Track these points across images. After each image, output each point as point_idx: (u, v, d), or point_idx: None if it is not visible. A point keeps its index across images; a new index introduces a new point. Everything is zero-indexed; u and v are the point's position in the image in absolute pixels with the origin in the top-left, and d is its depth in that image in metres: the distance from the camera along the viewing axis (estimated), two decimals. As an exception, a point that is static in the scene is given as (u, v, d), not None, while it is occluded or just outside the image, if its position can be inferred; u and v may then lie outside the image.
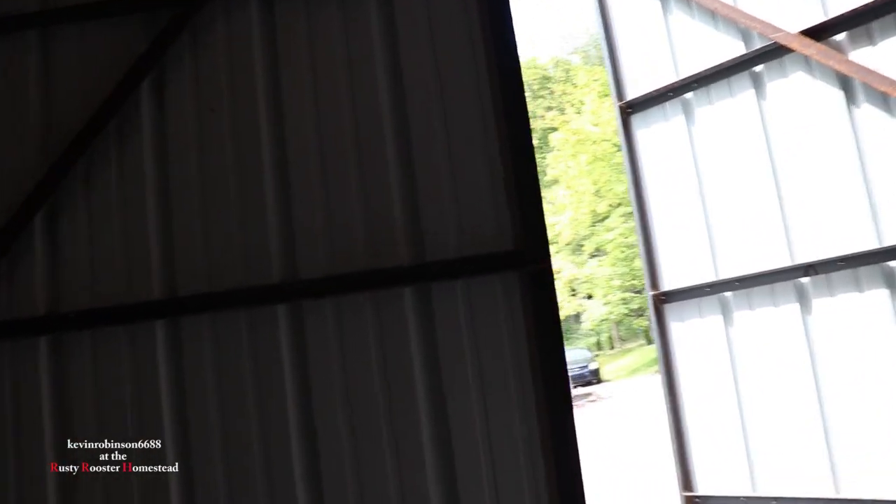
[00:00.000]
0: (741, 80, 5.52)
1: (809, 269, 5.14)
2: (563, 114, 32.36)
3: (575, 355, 30.66)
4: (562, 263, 33.78)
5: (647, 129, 5.96)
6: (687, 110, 5.76)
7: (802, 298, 5.22)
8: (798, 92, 5.27)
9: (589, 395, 24.37)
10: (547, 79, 40.94)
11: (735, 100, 5.53)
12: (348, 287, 3.50)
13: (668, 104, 5.84)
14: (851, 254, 4.96)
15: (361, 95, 3.63)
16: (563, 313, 35.63)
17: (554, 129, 34.58)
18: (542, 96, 40.99)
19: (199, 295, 3.55)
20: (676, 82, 5.80)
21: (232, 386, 3.47)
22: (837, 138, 5.10)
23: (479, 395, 3.35)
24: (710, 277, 5.57)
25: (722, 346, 5.49)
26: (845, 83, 5.06)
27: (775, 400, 5.23)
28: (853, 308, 4.98)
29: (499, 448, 3.31)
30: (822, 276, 5.12)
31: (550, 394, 3.29)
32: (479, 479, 3.30)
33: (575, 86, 32.03)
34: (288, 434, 3.41)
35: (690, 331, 5.66)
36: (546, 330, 3.34)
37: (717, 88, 5.63)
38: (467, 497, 3.29)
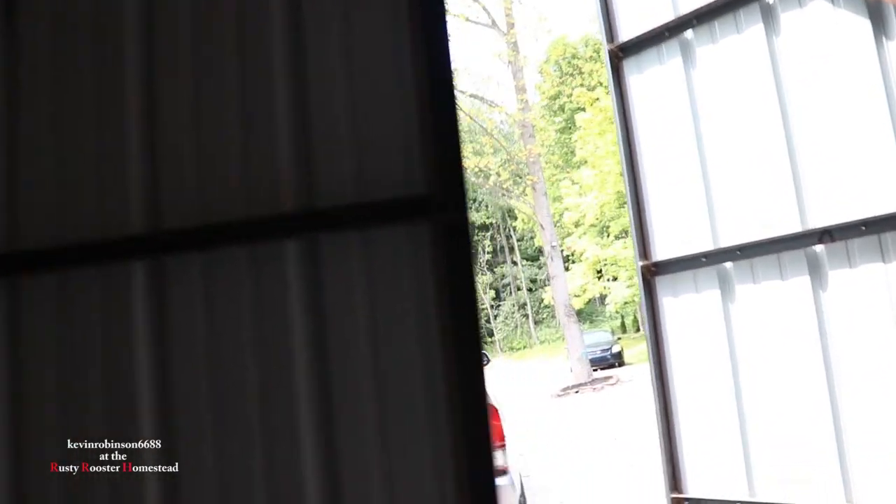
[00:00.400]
0: (749, 14, 4.67)
1: (824, 235, 4.32)
2: (591, 91, 31.47)
3: (598, 338, 30.05)
4: (587, 245, 32.99)
5: (640, 76, 5.15)
6: (686, 51, 4.93)
7: (815, 270, 4.40)
8: (817, 25, 4.42)
9: (609, 378, 23.70)
10: (576, 57, 39.90)
11: (742, 37, 4.69)
12: (220, 239, 2.80)
13: (664, 45, 5.02)
14: (875, 217, 4.12)
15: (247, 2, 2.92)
16: (587, 295, 34.95)
17: (581, 110, 33.67)
18: (570, 74, 39.96)
19: (41, 250, 2.88)
20: (674, 20, 4.97)
21: (75, 356, 2.81)
22: (863, 79, 4.25)
23: (374, 363, 2.65)
24: (707, 245, 4.76)
25: (720, 326, 4.70)
26: (875, 11, 4.19)
27: (780, 390, 4.43)
28: (876, 282, 4.16)
29: (395, 424, 2.61)
30: (839, 244, 4.29)
31: (461, 362, 2.59)
32: (367, 453, 2.61)
33: (603, 64, 31.01)
34: (138, 411, 2.75)
35: (684, 307, 4.87)
36: (459, 288, 2.61)
37: (721, 24, 4.79)
38: (352, 476, 2.61)
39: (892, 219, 4.07)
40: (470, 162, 28.93)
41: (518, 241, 52.70)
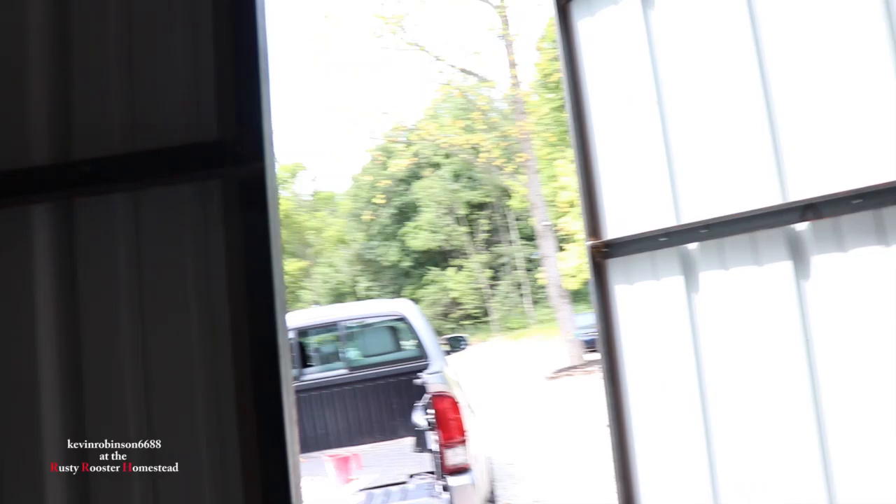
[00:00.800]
0: (721, -60, 3.81)
1: (808, 209, 3.49)
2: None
3: (589, 320, 29.44)
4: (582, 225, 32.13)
5: (591, 19, 4.27)
6: (645, -12, 4.07)
7: (797, 253, 3.58)
8: (802, -50, 3.57)
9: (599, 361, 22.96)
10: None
11: (710, -33, 3.83)
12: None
13: (620, -20, 4.16)
14: (872, 187, 3.29)
15: None
16: (583, 276, 34.07)
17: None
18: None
19: None
20: (633, -51, 4.11)
21: None
22: (859, 18, 3.41)
23: (140, 354, 1.90)
24: (669, 221, 3.93)
25: (682, 320, 3.88)
26: (873, -70, 3.35)
27: (753, 397, 3.63)
28: (871, 268, 3.34)
29: (166, 433, 1.88)
30: (826, 222, 3.47)
31: (258, 350, 1.84)
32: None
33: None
34: None
35: (641, 297, 4.05)
36: (256, 257, 1.85)
37: (686, -46, 3.93)
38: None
39: (893, 190, 3.25)
40: (460, 139, 28.16)
41: (516, 220, 51.87)
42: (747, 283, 3.69)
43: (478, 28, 25.81)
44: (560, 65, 4.26)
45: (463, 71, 27.30)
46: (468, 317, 53.05)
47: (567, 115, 4.25)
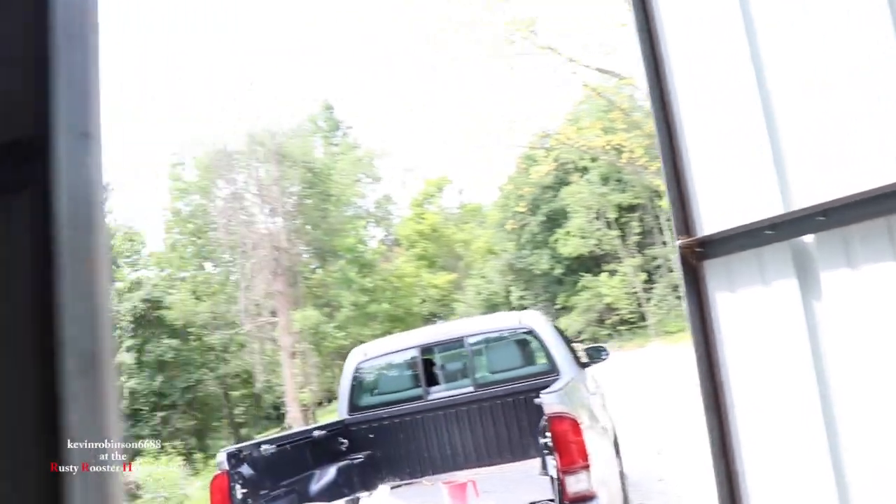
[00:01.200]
0: None
1: (964, 181, 2.61)
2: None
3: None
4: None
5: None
6: (734, -80, 3.29)
7: (952, 241, 2.70)
8: None
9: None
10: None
11: None
12: None
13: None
14: None
15: None
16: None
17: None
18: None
19: None
20: None
21: None
22: None
23: None
24: (776, 209, 3.11)
25: (800, 333, 3.04)
26: None
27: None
28: None
29: None
30: None
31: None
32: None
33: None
34: None
35: (746, 306, 3.24)
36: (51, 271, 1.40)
37: None
38: None
39: None
40: (601, 141, 27.29)
41: (667, 220, 49.59)
42: (884, 283, 2.81)
43: (610, 26, 24.70)
44: (634, 28, 3.53)
45: (599, 70, 26.33)
46: (624, 322, 51.20)
47: (645, 80, 3.50)
